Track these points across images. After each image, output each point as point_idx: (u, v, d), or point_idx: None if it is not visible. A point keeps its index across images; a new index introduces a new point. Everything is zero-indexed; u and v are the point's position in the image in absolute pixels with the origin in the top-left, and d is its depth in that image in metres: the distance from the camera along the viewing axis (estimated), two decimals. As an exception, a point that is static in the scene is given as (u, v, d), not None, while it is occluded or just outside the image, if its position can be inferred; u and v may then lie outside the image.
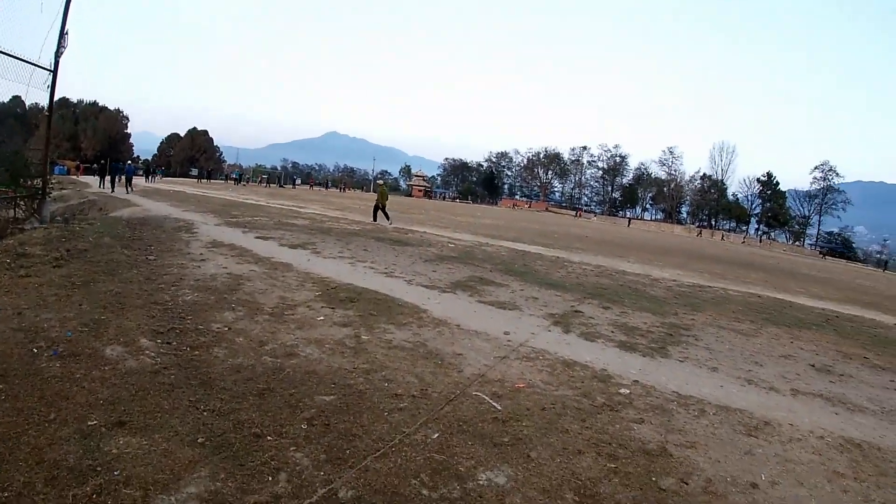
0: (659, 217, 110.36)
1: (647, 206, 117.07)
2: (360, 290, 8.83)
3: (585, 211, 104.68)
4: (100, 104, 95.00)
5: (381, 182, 28.81)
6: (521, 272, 12.37)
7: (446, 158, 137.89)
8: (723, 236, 79.92)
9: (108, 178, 33.11)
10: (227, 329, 6.25)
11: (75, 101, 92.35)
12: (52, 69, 12.59)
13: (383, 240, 15.63)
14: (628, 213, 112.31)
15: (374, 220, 22.53)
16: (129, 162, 41.56)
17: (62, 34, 12.62)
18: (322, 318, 7.11)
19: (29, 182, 13.17)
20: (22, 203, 13.04)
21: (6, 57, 11.10)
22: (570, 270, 13.88)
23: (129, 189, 30.44)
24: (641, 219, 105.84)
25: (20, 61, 11.56)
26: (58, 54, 12.65)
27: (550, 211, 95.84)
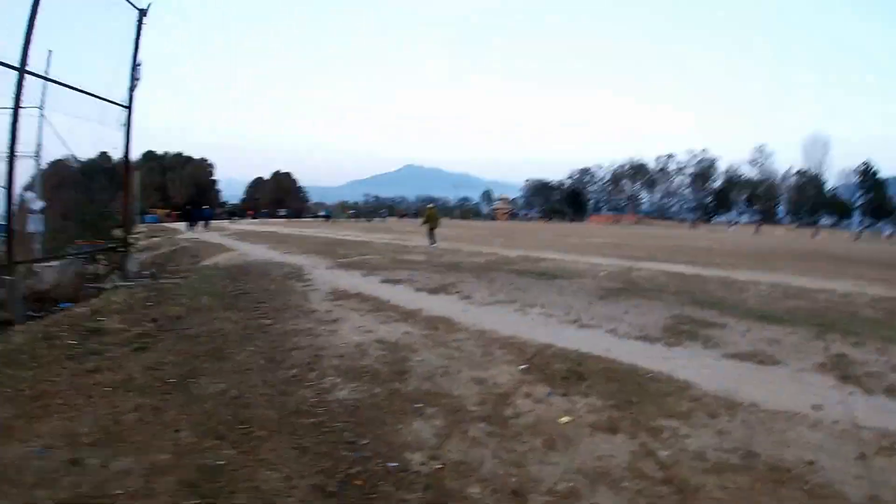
0: (756, 219, 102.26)
1: (742, 209, 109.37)
2: (572, 355, 5.98)
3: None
4: (185, 155, 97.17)
5: (430, 206, 29.14)
6: (713, 303, 9.40)
7: (527, 179, 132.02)
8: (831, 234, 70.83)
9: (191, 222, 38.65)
10: (439, 466, 3.51)
11: (162, 154, 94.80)
12: (127, 104, 10.59)
13: (524, 273, 12.72)
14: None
15: (432, 242, 22.81)
16: (205, 206, 48.29)
17: (135, 65, 10.58)
18: (566, 418, 4.28)
19: (110, 233, 11.08)
20: (102, 257, 10.90)
21: (76, 94, 9.11)
22: (758, 294, 10.82)
23: (206, 228, 36.19)
24: (735, 223, 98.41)
25: (91, 97, 9.56)
26: (132, 88, 10.64)
27: (617, 223, 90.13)
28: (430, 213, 24.60)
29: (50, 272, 10.27)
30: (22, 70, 7.56)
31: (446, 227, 46.95)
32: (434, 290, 9.99)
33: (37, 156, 11.78)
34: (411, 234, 30.61)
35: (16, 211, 11.80)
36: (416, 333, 6.79)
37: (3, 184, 7.79)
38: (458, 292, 9.85)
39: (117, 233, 11.05)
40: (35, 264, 9.76)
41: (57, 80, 8.63)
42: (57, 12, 8.26)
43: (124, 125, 10.63)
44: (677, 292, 10.42)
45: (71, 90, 8.98)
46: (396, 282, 10.99)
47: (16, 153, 7.72)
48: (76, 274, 10.17)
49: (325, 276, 11.88)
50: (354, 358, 5.73)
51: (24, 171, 9.99)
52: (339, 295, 9.40)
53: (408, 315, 7.82)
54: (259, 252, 18.05)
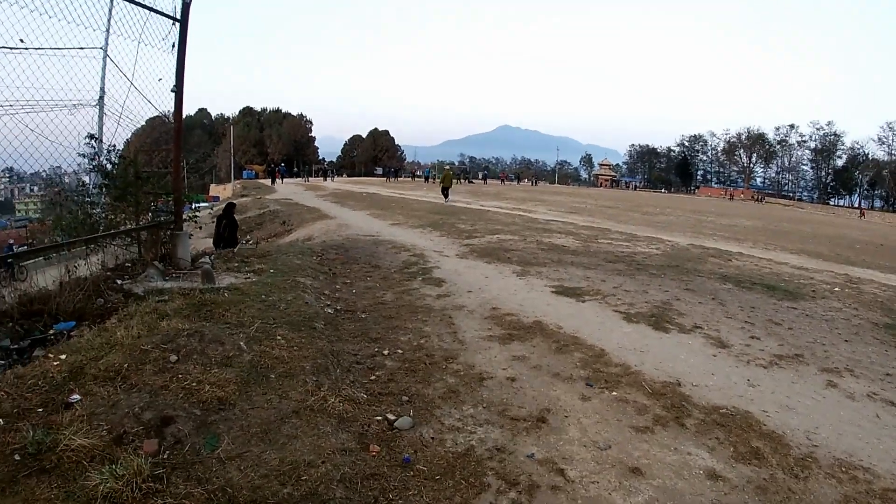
0: (879, 205, 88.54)
1: (865, 192, 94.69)
2: None
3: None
4: (283, 111, 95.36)
5: (447, 168, 33.35)
6: None
7: (632, 145, 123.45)
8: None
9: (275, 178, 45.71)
10: None
11: (259, 110, 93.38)
12: (180, 17, 7.07)
13: (744, 285, 8.51)
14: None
15: (446, 198, 24.22)
16: (283, 164, 59.28)
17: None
18: None
19: (151, 202, 7.49)
20: (145, 236, 7.32)
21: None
22: None
23: (282, 181, 43.70)
24: (859, 207, 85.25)
25: (132, 4, 6.47)
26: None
27: (760, 201, 76.87)
28: (447, 174, 26.77)
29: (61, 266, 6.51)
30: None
31: (551, 192, 40.65)
32: (654, 321, 6.04)
33: (100, 104, 8.24)
34: (527, 202, 26.13)
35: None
36: (738, 483, 2.99)
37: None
38: (696, 328, 5.92)
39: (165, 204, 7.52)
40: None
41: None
42: None
43: (176, 46, 7.02)
44: None
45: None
46: (579, 295, 7.08)
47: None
48: (99, 270, 6.56)
49: (461, 272, 8.18)
50: None
51: (84, 123, 6.70)
52: (506, 325, 5.61)
53: (669, 402, 3.98)
54: (361, 222, 14.72)
